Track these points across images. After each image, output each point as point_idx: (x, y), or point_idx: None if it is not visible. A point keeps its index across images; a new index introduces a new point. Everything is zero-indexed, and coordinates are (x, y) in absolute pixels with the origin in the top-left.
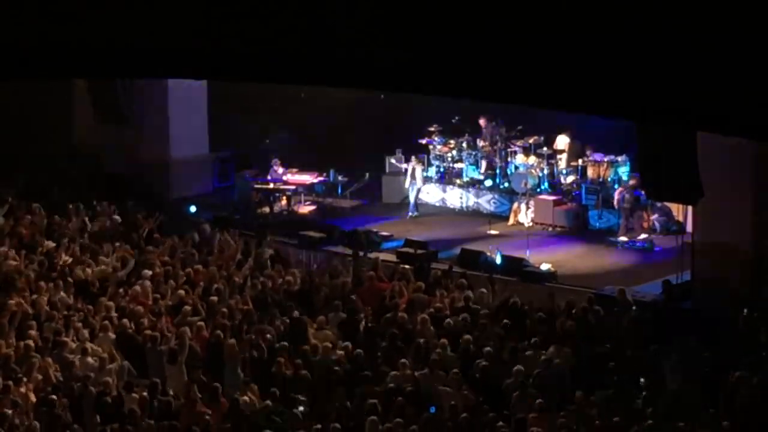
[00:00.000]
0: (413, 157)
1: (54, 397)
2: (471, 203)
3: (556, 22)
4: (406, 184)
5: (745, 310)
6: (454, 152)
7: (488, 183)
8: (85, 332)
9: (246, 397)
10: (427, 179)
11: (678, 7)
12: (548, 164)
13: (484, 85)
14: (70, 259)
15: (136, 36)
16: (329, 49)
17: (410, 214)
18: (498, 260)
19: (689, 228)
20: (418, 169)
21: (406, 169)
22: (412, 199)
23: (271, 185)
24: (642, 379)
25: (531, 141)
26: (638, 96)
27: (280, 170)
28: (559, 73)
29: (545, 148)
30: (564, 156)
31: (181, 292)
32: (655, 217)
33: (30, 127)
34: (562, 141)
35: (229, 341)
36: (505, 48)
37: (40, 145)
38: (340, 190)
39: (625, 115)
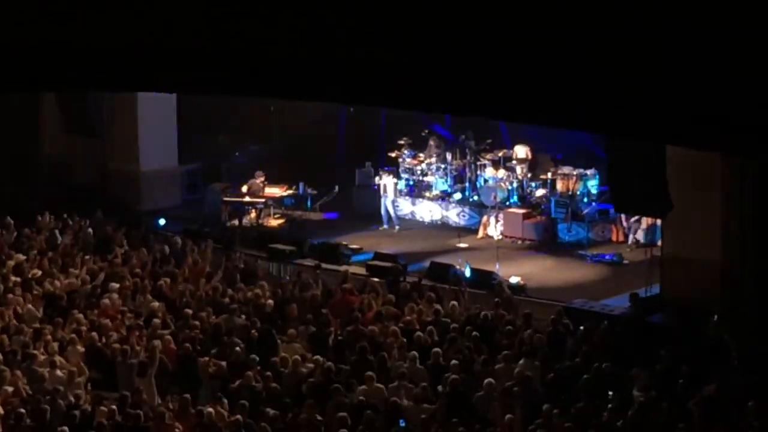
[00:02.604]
0: (382, 172)
1: (22, 410)
2: (440, 216)
3: (525, 37)
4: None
5: (715, 317)
6: (424, 165)
7: (457, 196)
8: (54, 345)
9: (215, 410)
10: (396, 192)
11: (644, 24)
12: (517, 178)
13: (452, 98)
14: (39, 272)
15: (110, 50)
16: (298, 64)
17: (386, 226)
18: (467, 273)
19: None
20: (390, 182)
21: (378, 184)
22: (391, 212)
23: (245, 198)
24: (610, 393)
25: (500, 154)
26: (607, 109)
27: (261, 181)
28: (528, 86)
29: (514, 162)
30: (525, 166)
31: (152, 304)
32: (642, 228)
33: None
34: (521, 150)
35: (201, 359)
36: (477, 62)
37: (7, 157)
38: (309, 203)
39: (594, 128)
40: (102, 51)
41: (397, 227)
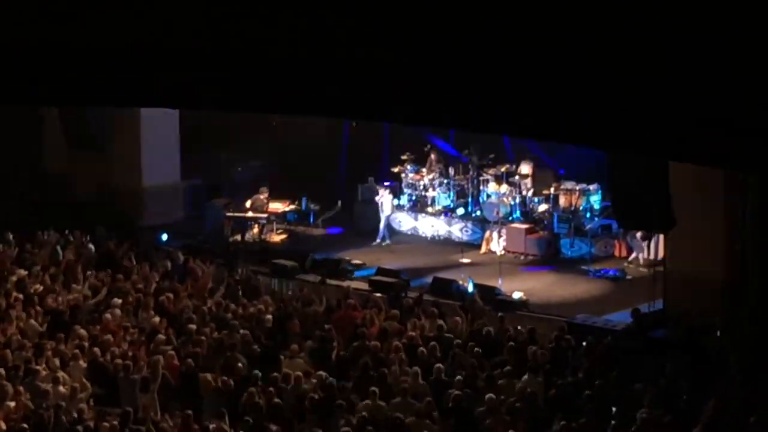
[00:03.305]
0: (381, 189)
1: (25, 425)
2: (443, 231)
3: (527, 53)
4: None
5: (717, 332)
6: (426, 180)
7: (460, 211)
8: (56, 361)
9: (218, 427)
10: (399, 207)
11: (645, 40)
12: (520, 193)
13: (455, 114)
14: (41, 287)
15: (110, 50)
16: (298, 65)
17: (378, 240)
18: (470, 289)
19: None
20: (387, 198)
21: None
22: (381, 227)
23: (248, 213)
24: (614, 409)
25: (503, 169)
26: (609, 125)
27: (265, 197)
28: (531, 102)
29: (517, 177)
30: (528, 180)
31: (154, 320)
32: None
33: None
34: (526, 167)
35: (203, 375)
36: (479, 78)
37: (9, 172)
38: (312, 219)
39: (597, 144)
40: (102, 51)
41: (387, 241)
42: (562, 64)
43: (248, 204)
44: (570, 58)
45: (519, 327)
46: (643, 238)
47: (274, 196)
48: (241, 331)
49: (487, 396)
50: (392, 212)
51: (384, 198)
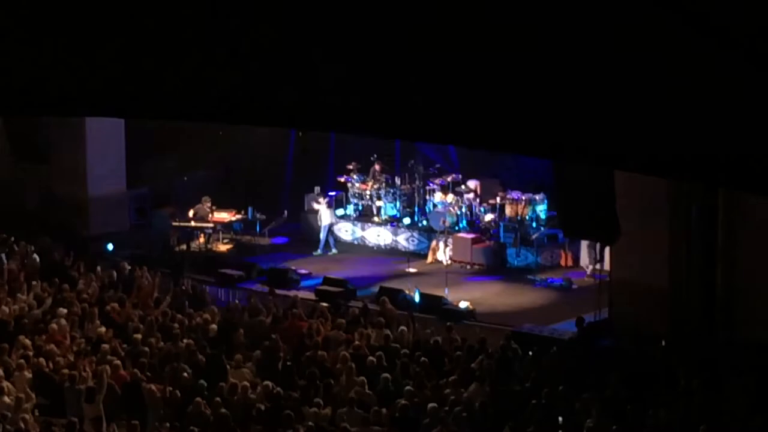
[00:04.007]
0: (320, 198)
1: None
2: (389, 241)
3: (468, 58)
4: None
5: (663, 342)
6: (372, 190)
7: (407, 221)
8: (0, 371)
9: None
10: (345, 217)
11: (592, 48)
12: (465, 202)
13: (394, 123)
14: None
15: (52, 75)
16: (238, 89)
17: (320, 251)
18: (417, 298)
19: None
20: (324, 208)
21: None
22: (321, 237)
23: (193, 223)
24: (560, 418)
25: (449, 179)
26: (552, 133)
27: (208, 206)
28: (471, 110)
29: (463, 187)
30: (473, 195)
31: (100, 330)
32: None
33: None
34: (472, 182)
35: (148, 386)
36: (418, 85)
37: None
38: (258, 228)
39: (540, 153)
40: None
41: (334, 250)
42: (498, 68)
43: (191, 213)
44: (501, 64)
45: (465, 337)
46: (589, 247)
47: (220, 206)
48: (186, 341)
49: (430, 405)
50: (334, 221)
51: (321, 208)
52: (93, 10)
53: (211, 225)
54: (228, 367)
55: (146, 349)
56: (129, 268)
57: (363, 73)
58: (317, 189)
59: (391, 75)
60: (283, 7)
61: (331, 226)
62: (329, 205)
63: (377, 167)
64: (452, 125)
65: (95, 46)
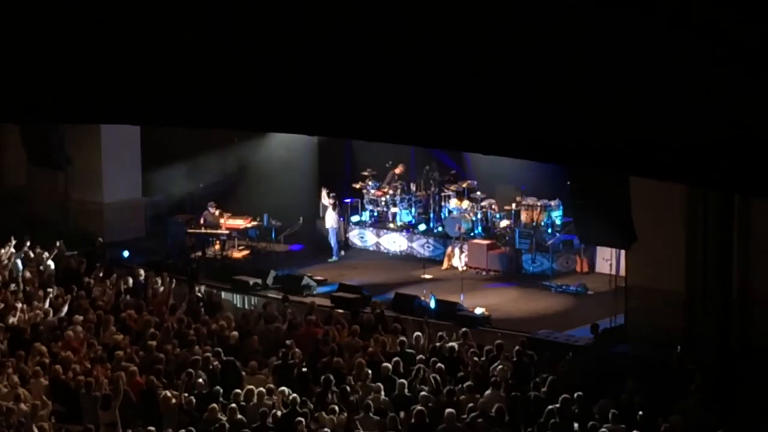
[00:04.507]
0: (326, 196)
1: None
2: (405, 247)
3: (476, 63)
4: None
5: (678, 348)
6: (388, 197)
7: (422, 227)
8: (15, 378)
9: None
10: (360, 223)
11: (600, 51)
12: (481, 208)
13: (406, 128)
14: (2, 305)
15: (75, 82)
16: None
17: (334, 257)
18: (432, 304)
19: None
20: (329, 209)
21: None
22: (332, 243)
23: (203, 230)
24: (576, 424)
25: (465, 185)
26: (567, 140)
27: (216, 212)
28: (482, 115)
29: (479, 193)
30: (489, 200)
31: (116, 337)
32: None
33: None
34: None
35: (164, 393)
36: (426, 91)
37: None
38: (273, 235)
39: (556, 159)
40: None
41: (334, 257)
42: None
43: (201, 221)
44: (522, 63)
45: (482, 343)
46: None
47: (235, 213)
48: (201, 347)
49: (446, 411)
50: (335, 225)
51: (328, 207)
52: (97, 20)
53: (226, 232)
54: (243, 373)
55: (162, 355)
56: (144, 274)
57: (368, 79)
58: (324, 190)
59: (398, 80)
60: (288, 11)
61: (335, 229)
62: (334, 207)
63: (397, 171)
64: (464, 130)
65: (100, 53)
